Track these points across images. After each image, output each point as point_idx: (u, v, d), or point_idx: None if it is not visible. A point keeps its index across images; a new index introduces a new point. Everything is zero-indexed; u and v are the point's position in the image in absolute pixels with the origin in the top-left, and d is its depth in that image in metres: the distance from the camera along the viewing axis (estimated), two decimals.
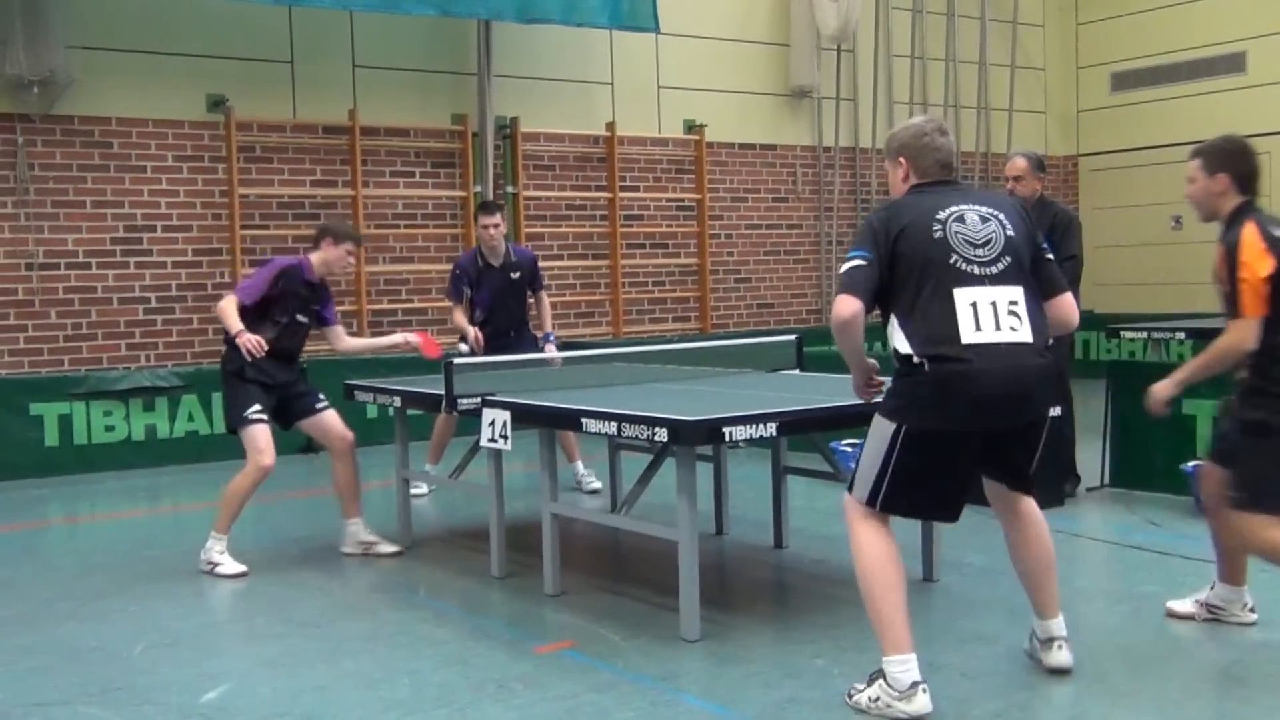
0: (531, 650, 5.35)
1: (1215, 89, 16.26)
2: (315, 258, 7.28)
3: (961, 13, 16.60)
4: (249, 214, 11.83)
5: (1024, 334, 4.38)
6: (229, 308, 6.93)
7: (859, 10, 14.98)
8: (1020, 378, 4.38)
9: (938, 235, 4.41)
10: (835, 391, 6.22)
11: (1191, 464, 7.78)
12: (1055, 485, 8.04)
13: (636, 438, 5.32)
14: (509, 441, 6.02)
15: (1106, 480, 8.45)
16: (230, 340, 6.92)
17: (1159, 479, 8.13)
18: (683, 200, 14.52)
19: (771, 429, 5.29)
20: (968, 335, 4.33)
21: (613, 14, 12.90)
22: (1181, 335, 11.59)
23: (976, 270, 4.39)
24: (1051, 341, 4.55)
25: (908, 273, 4.43)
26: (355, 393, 7.66)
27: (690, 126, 14.51)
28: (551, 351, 8.88)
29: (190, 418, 10.98)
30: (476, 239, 9.37)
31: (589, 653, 5.27)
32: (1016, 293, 4.42)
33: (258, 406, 6.99)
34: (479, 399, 6.29)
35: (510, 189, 13.25)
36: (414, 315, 12.78)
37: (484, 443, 6.19)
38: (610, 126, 13.85)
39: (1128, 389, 8.40)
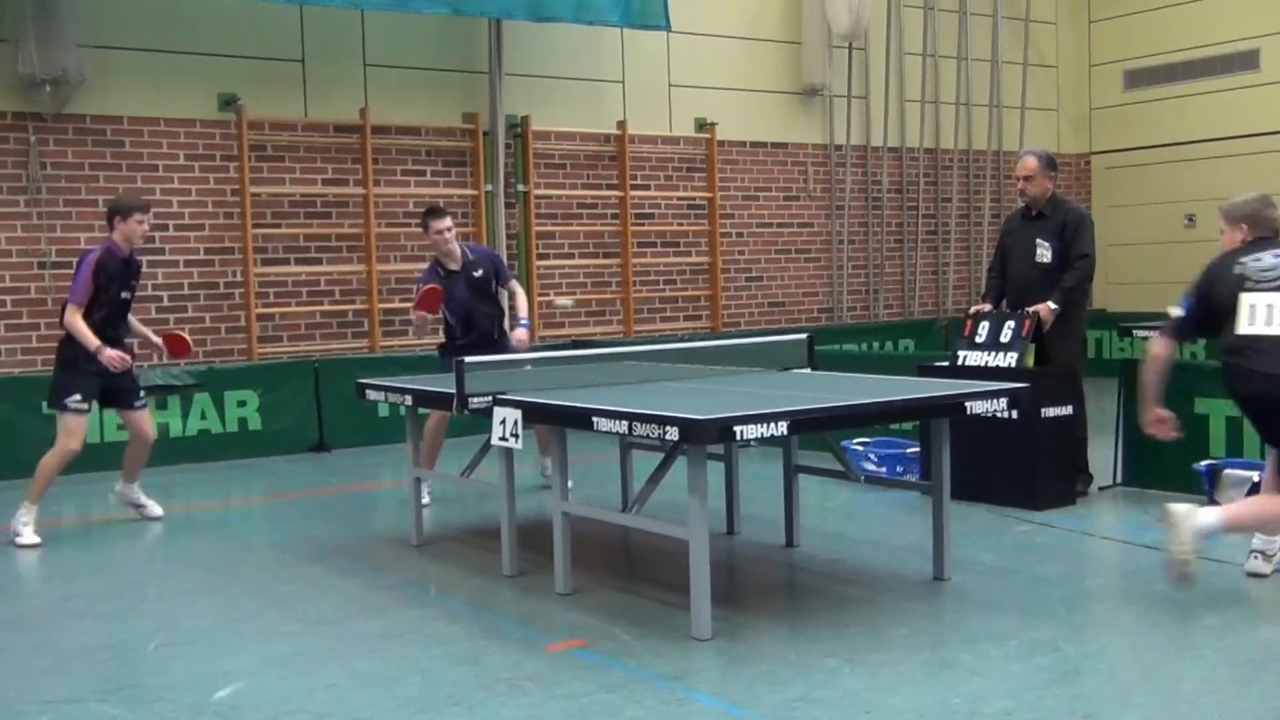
0: (543, 648, 5.37)
1: (1228, 86, 16.23)
2: (117, 236, 8.08)
3: (974, 10, 16.58)
4: (260, 212, 11.86)
5: None
6: (79, 322, 7.82)
7: (871, 8, 14.98)
8: None
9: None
10: (846, 390, 6.24)
11: (1205, 463, 7.78)
12: (1066, 484, 8.04)
13: (648, 436, 5.32)
14: (520, 440, 6.03)
15: (1119, 479, 8.44)
16: (70, 337, 7.86)
17: (1172, 478, 8.11)
18: (694, 199, 14.52)
19: (783, 428, 5.29)
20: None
21: (624, 12, 12.91)
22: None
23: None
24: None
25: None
26: (367, 392, 7.67)
27: (701, 125, 14.51)
28: (521, 336, 8.74)
29: (203, 416, 11.00)
30: (432, 248, 9.11)
31: (600, 651, 5.28)
32: None
33: (79, 396, 7.90)
34: (490, 398, 6.30)
35: (521, 187, 13.26)
36: None
37: (495, 441, 6.20)
38: (621, 125, 13.86)
39: (1138, 388, 8.40)
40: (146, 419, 8.42)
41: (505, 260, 9.35)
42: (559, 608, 6.03)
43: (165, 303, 11.47)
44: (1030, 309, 8.05)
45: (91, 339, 7.79)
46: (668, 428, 5.16)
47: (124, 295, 8.09)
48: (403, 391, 7.22)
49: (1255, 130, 15.93)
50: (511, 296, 9.07)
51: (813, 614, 5.86)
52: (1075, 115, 18.10)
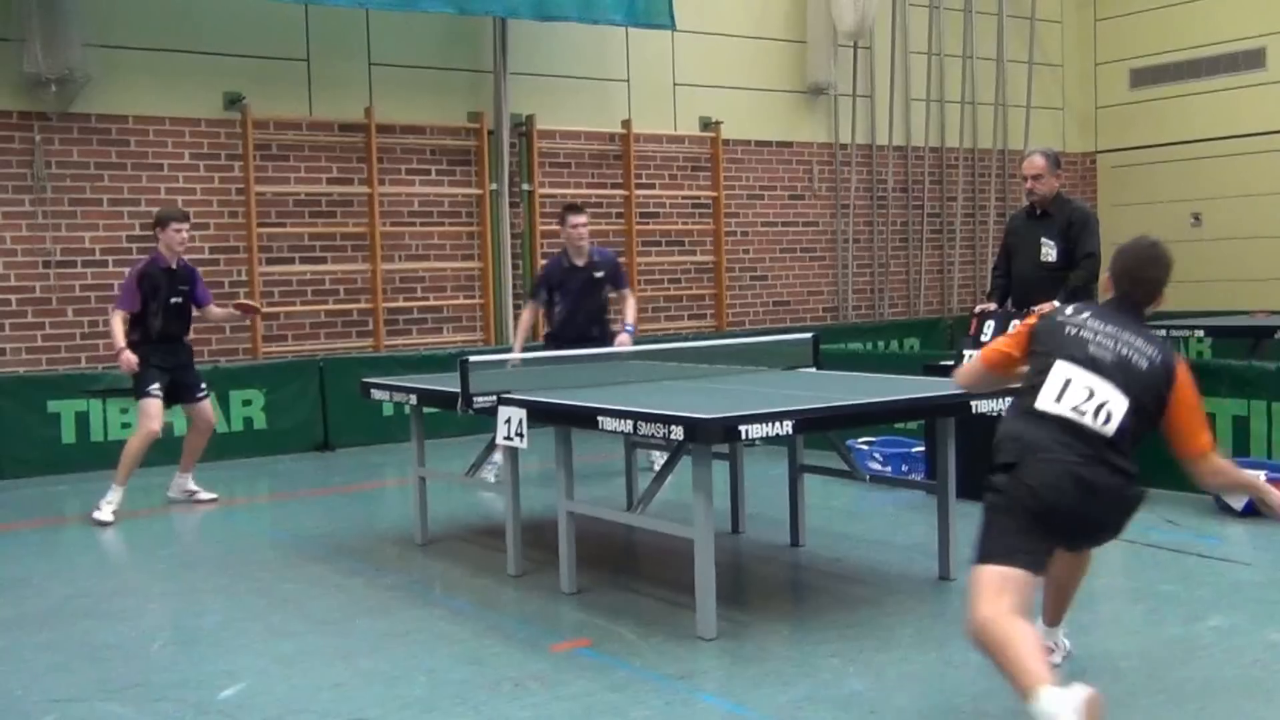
0: (547, 648, 5.36)
1: (1235, 85, 16.20)
2: (160, 245, 8.76)
3: (979, 9, 16.57)
4: (265, 211, 11.86)
5: None
6: (115, 325, 8.60)
7: (876, 7, 14.96)
8: None
9: None
10: (852, 390, 6.24)
11: None
12: None
13: (653, 436, 5.32)
14: (525, 439, 6.03)
15: None
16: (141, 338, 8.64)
17: (1177, 478, 8.06)
18: (699, 198, 14.51)
19: (788, 427, 5.28)
20: None
21: (629, 11, 12.90)
22: (1200, 333, 11.59)
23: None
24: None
25: None
26: (371, 391, 7.67)
27: (706, 124, 14.50)
28: (624, 340, 9.11)
29: None
30: (564, 239, 9.58)
31: (605, 651, 5.28)
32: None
33: (156, 384, 8.63)
34: (494, 397, 6.30)
35: (526, 186, 13.26)
36: (430, 313, 12.80)
37: (500, 440, 6.20)
38: (626, 124, 13.85)
39: None
40: (208, 408, 9.17)
41: (620, 267, 9.72)
42: (564, 607, 6.02)
43: None
44: (1037, 308, 8.02)
45: (119, 340, 8.55)
46: (673, 427, 5.16)
47: (174, 300, 8.75)
48: (407, 391, 7.22)
49: (1261, 129, 15.90)
50: (622, 301, 9.50)
51: (818, 613, 5.86)
52: (1081, 114, 18.07)
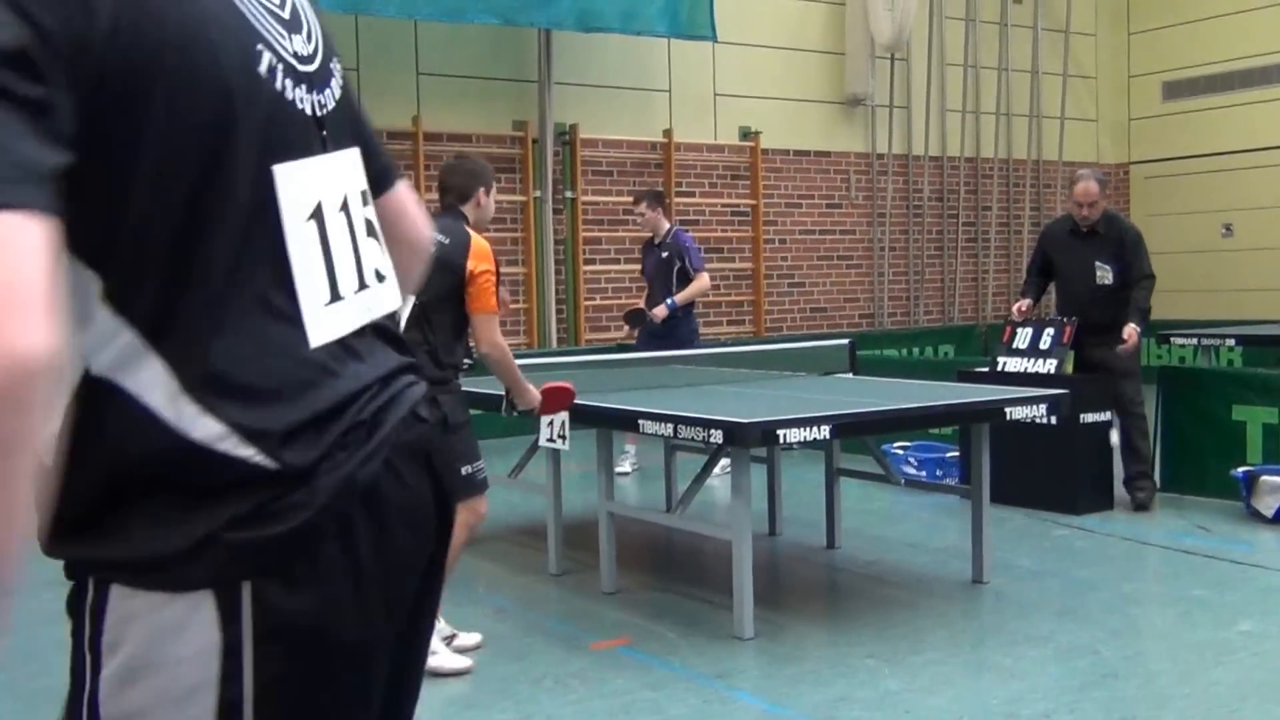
0: (588, 646, 5.37)
1: (1267, 98, 16.05)
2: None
3: (1014, 22, 16.48)
4: None
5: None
6: None
7: (913, 19, 14.90)
8: None
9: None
10: (888, 395, 6.21)
11: (1242, 469, 7.69)
12: (1101, 488, 7.96)
13: (692, 439, 5.32)
14: (568, 441, 6.03)
15: (1157, 485, 8.35)
16: None
17: (1210, 484, 8.04)
18: (738, 205, 14.49)
19: (825, 431, 5.27)
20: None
21: (671, 23, 12.90)
22: (1231, 341, 11.51)
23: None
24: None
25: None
26: None
27: (746, 133, 14.49)
28: (658, 313, 9.44)
29: None
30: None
31: (644, 649, 5.28)
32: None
33: None
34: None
35: (569, 194, 13.28)
36: None
37: (543, 442, 6.21)
38: (667, 133, 13.84)
39: (1178, 394, 8.34)
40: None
41: (686, 258, 9.80)
42: (604, 606, 6.02)
43: None
44: (1125, 337, 7.84)
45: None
46: (712, 430, 5.16)
47: None
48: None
49: None
50: (687, 283, 9.66)
51: (853, 615, 5.84)
52: (1114, 125, 17.95)
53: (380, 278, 1.71)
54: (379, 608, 1.57)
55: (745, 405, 5.84)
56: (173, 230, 1.42)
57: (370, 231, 1.71)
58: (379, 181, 1.82)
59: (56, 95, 1.26)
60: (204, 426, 1.43)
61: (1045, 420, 6.54)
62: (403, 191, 1.91)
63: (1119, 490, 8.05)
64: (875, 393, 6.39)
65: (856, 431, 5.86)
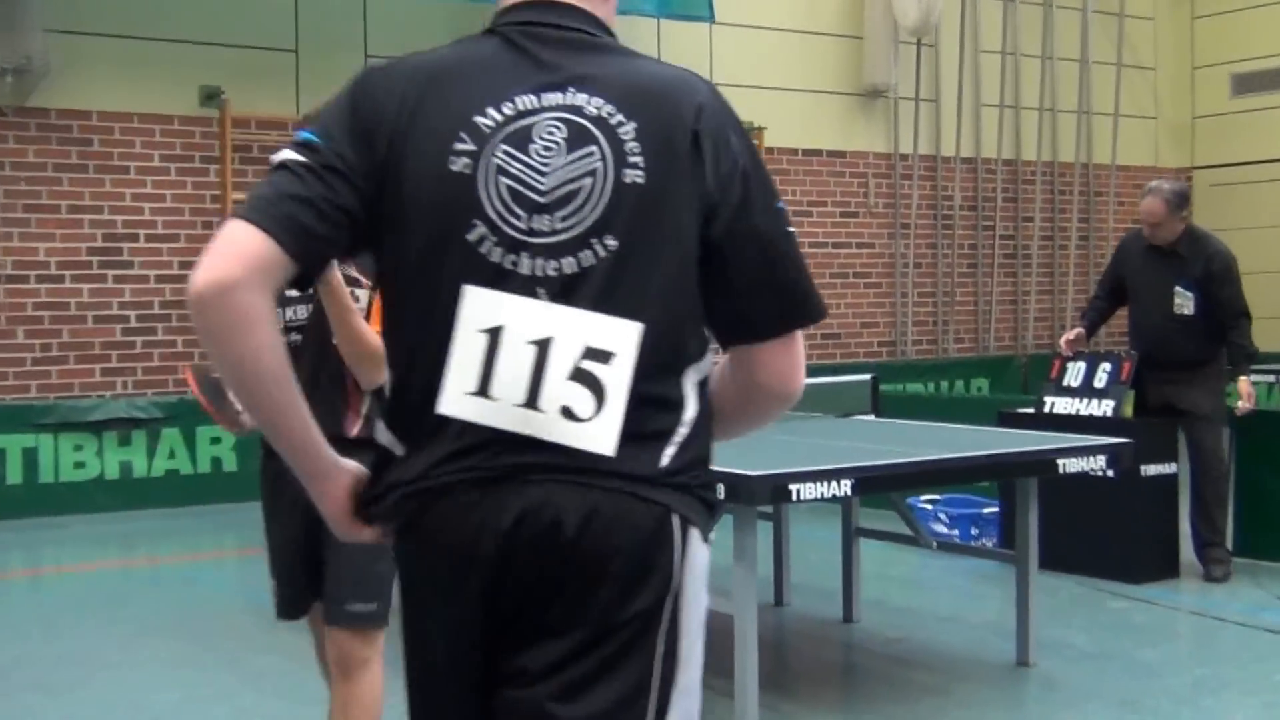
0: None
1: None
2: None
3: (1060, 4, 16.51)
4: None
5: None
6: None
7: (943, 0, 14.92)
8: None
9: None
10: (916, 441, 6.14)
11: None
12: (1166, 552, 7.89)
13: None
14: None
15: (1231, 549, 8.26)
16: None
17: None
18: None
19: (847, 487, 5.17)
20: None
21: (661, 1, 12.87)
22: None
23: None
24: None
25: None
26: None
27: (748, 129, 14.42)
28: None
29: (171, 454, 10.94)
30: None
31: None
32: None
33: None
34: None
35: None
36: None
37: None
38: None
39: (1254, 442, 8.26)
40: None
41: None
42: None
43: (132, 323, 11.42)
44: (1242, 393, 7.80)
45: None
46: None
47: None
48: None
49: None
50: None
51: (873, 703, 5.77)
52: (1175, 124, 17.97)
53: (568, 413, 2.19)
54: None
55: (750, 453, 5.73)
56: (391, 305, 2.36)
57: (577, 377, 2.19)
58: (732, 333, 2.42)
59: (332, 181, 2.30)
60: None
61: (1103, 473, 6.47)
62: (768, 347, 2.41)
63: (1186, 554, 7.97)
64: (903, 438, 6.32)
65: (883, 487, 5.79)
